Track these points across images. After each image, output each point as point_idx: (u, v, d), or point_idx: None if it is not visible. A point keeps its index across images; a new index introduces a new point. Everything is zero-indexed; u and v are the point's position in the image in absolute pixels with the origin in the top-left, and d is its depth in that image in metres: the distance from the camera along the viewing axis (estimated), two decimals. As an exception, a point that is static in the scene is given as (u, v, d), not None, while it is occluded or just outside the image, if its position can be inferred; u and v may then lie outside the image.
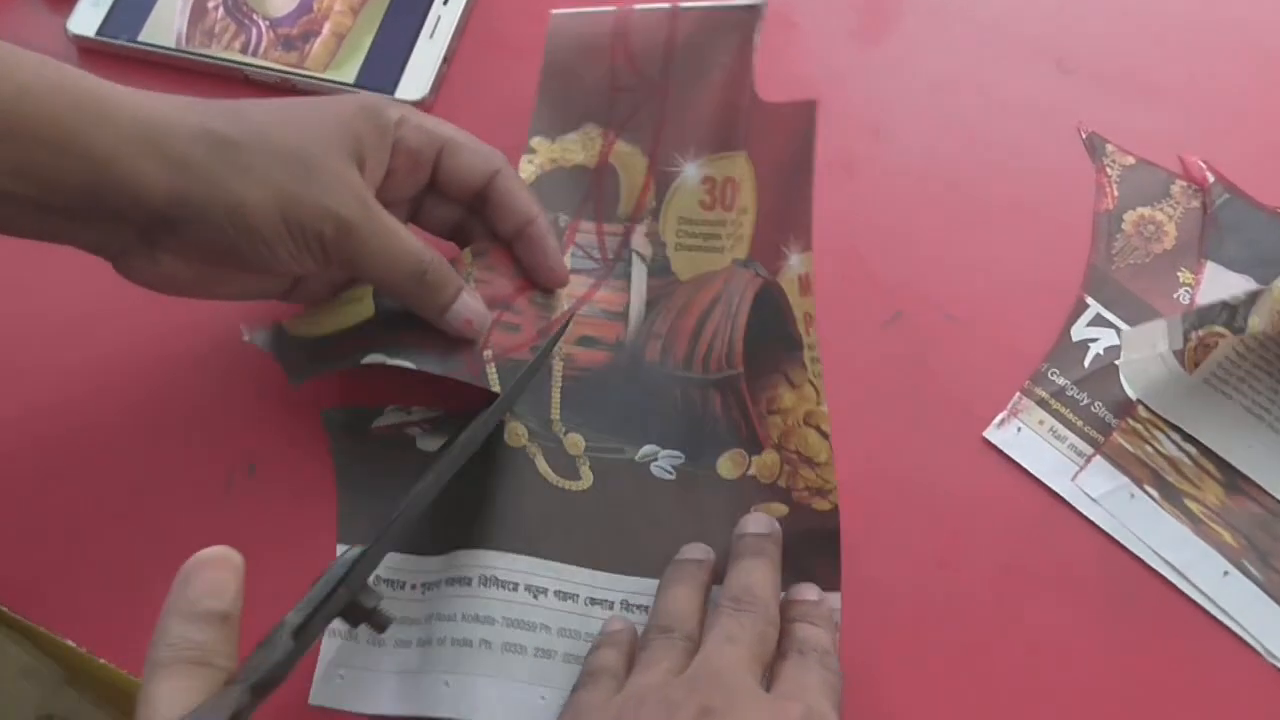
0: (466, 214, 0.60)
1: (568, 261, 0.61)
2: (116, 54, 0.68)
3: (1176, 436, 0.59)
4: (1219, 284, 0.63)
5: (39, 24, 0.69)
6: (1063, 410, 0.60)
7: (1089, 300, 0.63)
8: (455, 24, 0.70)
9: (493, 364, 0.57)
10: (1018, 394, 0.61)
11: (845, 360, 0.61)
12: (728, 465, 0.57)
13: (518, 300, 0.59)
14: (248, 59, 0.67)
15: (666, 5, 0.62)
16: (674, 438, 0.58)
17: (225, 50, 0.68)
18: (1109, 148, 0.69)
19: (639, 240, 0.62)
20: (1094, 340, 0.62)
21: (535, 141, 0.63)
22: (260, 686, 0.42)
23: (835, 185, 0.66)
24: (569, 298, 0.60)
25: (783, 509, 0.55)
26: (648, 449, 0.58)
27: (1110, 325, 0.63)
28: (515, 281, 0.59)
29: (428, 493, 0.50)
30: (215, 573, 0.43)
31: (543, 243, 0.59)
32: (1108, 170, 0.68)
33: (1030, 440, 0.59)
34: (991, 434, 0.60)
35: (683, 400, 0.58)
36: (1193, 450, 0.59)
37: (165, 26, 0.69)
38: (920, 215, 0.66)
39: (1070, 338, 0.62)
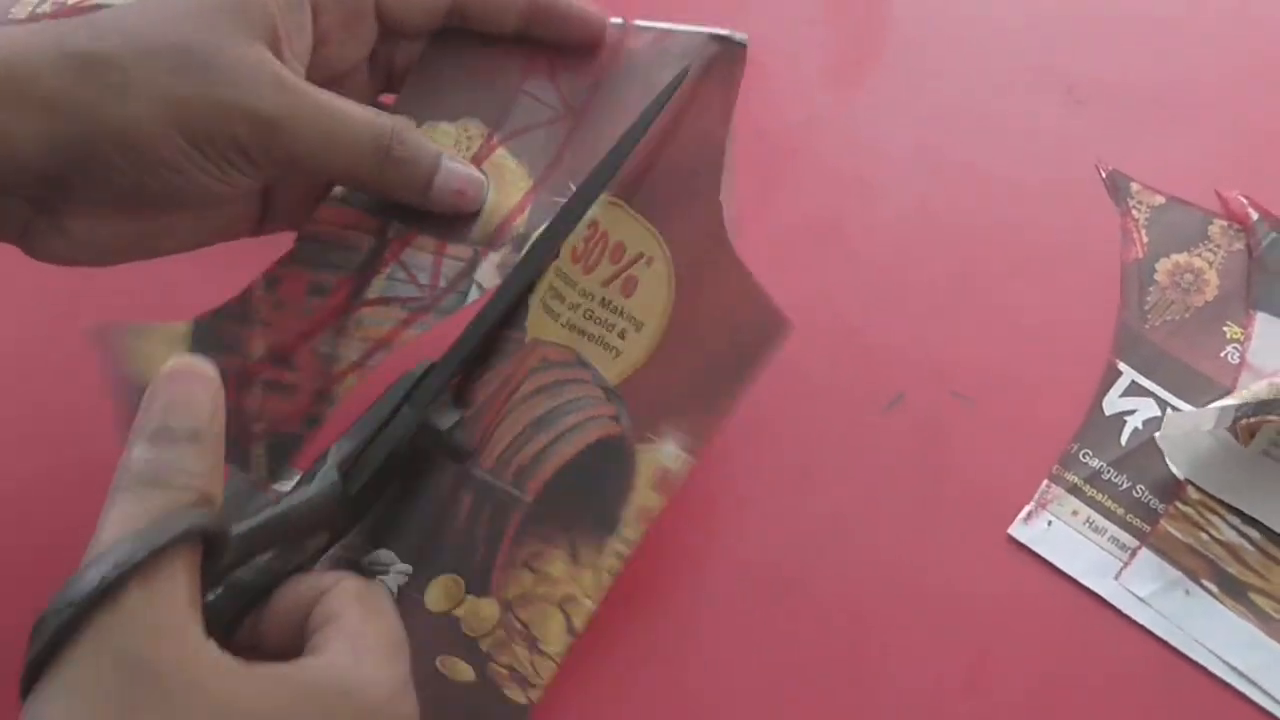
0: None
1: (381, 286, 0.51)
2: None
3: (1235, 519, 0.55)
4: (1273, 338, 0.60)
5: None
6: (1099, 497, 0.56)
7: (1121, 366, 0.59)
8: None
9: (263, 443, 0.49)
10: (1045, 481, 0.57)
11: (841, 453, 0.57)
12: (437, 593, 0.48)
13: (299, 352, 0.50)
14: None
15: (618, 20, 0.54)
16: (409, 547, 0.49)
17: None
18: (1134, 186, 0.65)
19: (488, 271, 0.51)
20: (1130, 412, 0.58)
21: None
22: (275, 525, 0.41)
23: (820, 249, 0.63)
24: (362, 340, 0.50)
25: (469, 674, 0.47)
26: (381, 555, 0.49)
27: (1148, 394, 0.59)
28: (303, 322, 0.50)
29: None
30: (181, 386, 0.39)
31: (558, 9, 0.52)
32: (1134, 213, 0.64)
33: (1064, 535, 0.55)
34: (1018, 530, 0.56)
35: (442, 496, 0.49)
36: (1255, 535, 0.55)
37: None
38: (919, 278, 0.62)
39: (1102, 411, 0.58)
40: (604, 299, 0.50)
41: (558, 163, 0.52)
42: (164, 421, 0.38)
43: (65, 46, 0.44)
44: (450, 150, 0.52)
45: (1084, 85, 0.68)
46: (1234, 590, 0.54)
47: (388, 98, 0.54)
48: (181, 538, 0.36)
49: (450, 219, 0.52)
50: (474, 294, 0.50)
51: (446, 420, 0.46)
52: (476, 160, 0.52)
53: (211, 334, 0.49)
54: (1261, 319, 0.60)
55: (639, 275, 0.50)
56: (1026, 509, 0.56)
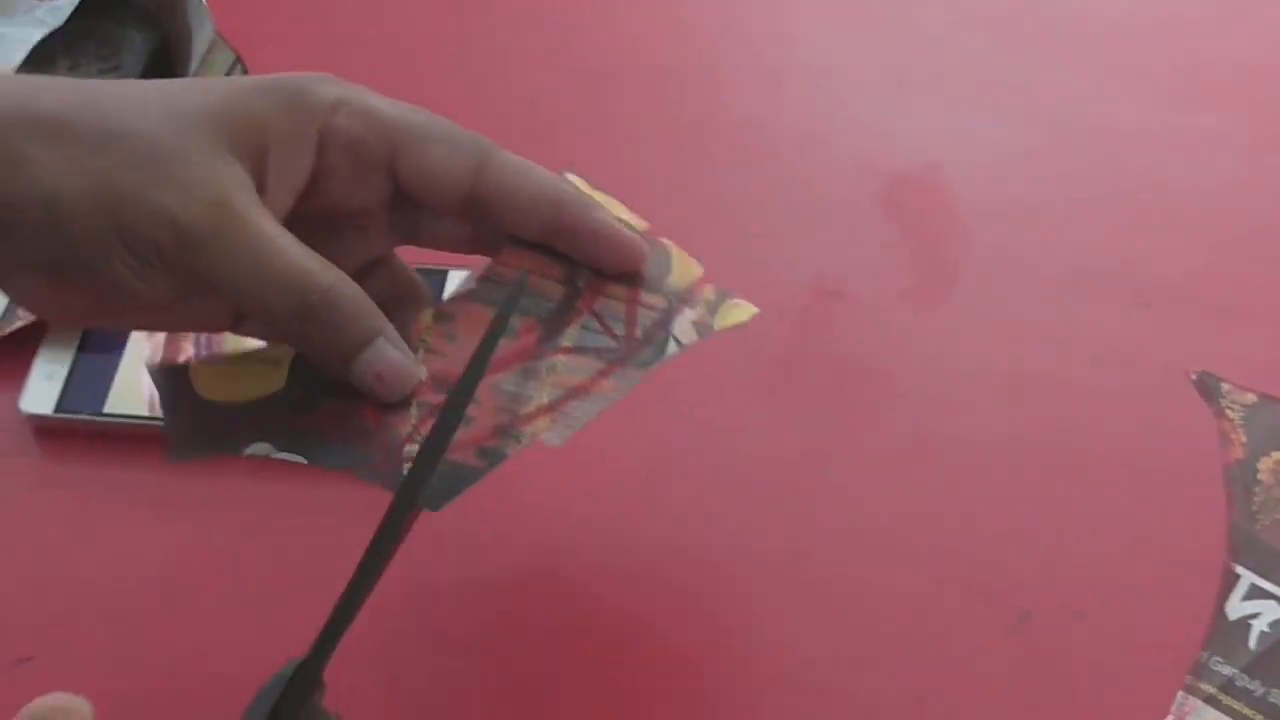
0: (479, 223, 0.50)
1: (574, 336, 0.49)
2: (81, 430, 0.62)
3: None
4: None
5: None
6: (1237, 705, 0.53)
7: (1239, 570, 0.57)
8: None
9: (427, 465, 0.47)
10: (1180, 693, 0.54)
11: (963, 676, 0.54)
12: None
13: (479, 385, 0.47)
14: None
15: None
16: None
17: None
18: (1224, 387, 0.63)
19: (684, 326, 0.50)
20: (1254, 616, 0.56)
21: (571, 176, 0.52)
22: None
23: (911, 475, 0.60)
24: (556, 387, 0.48)
25: None
26: None
27: (1270, 596, 0.56)
28: None
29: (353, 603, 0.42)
30: None
31: (587, 227, 0.48)
32: (1228, 413, 0.62)
33: (1208, 748, 0.52)
34: (1161, 747, 0.52)
35: None
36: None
37: (134, 392, 0.62)
38: (1020, 496, 0.60)
39: (1226, 616, 0.56)
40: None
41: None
42: None
43: (33, 103, 0.43)
44: (619, 209, 0.50)
45: (1154, 289, 0.67)
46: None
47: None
48: None
49: (648, 268, 0.50)
50: (671, 348, 0.49)
51: None
52: (648, 235, 0.51)
53: None
54: (1375, 504, 0.58)
55: None
56: (1167, 723, 0.53)
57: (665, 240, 0.52)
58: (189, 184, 0.43)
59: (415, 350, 0.48)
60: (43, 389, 0.62)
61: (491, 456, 0.46)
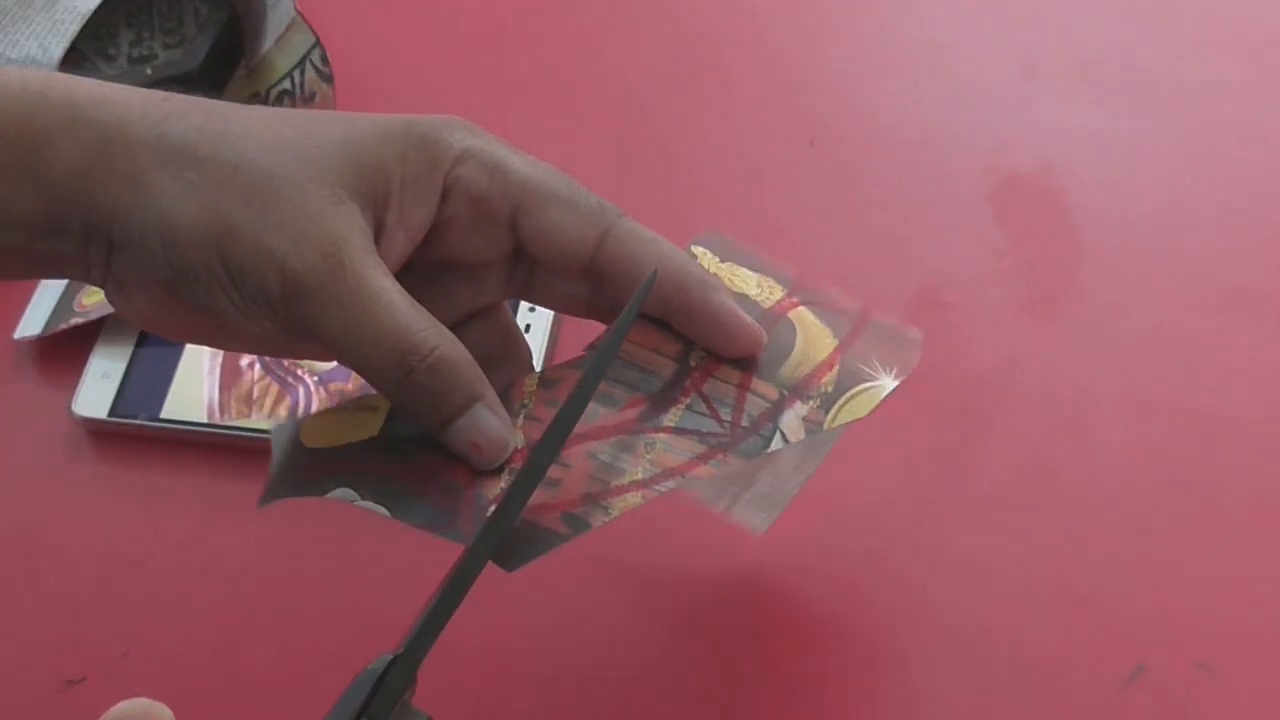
0: (597, 290, 0.49)
1: (678, 416, 0.48)
2: (136, 435, 0.60)
3: None
4: None
5: (38, 406, 0.62)
6: None
7: None
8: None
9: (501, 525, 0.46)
10: None
11: None
12: None
13: (569, 452, 0.47)
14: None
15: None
16: None
17: (269, 419, 0.60)
18: None
19: (792, 423, 0.49)
20: None
21: (697, 250, 0.52)
22: None
23: (1032, 504, 0.58)
24: (653, 465, 0.47)
25: None
26: None
27: None
28: (579, 427, 0.47)
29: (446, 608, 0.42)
30: None
31: (705, 309, 0.48)
32: None
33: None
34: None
35: None
36: None
37: (192, 399, 0.61)
38: (1146, 533, 0.57)
39: None
40: None
41: (859, 332, 0.51)
42: None
43: (167, 127, 0.44)
44: (749, 285, 0.50)
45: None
46: None
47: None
48: None
49: (765, 355, 0.49)
50: (777, 442, 0.48)
51: None
52: (780, 307, 0.50)
53: None
54: None
55: None
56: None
57: (799, 311, 0.51)
58: (303, 229, 0.43)
59: (516, 414, 0.48)
60: (97, 390, 0.61)
61: (576, 524, 0.46)
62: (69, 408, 0.60)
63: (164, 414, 0.60)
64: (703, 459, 0.47)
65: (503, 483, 0.46)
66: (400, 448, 0.47)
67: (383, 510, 0.45)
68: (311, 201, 0.43)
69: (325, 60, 0.71)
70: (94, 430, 0.60)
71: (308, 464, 0.48)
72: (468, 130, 0.47)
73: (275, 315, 0.44)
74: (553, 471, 0.46)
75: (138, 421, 0.60)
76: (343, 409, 0.49)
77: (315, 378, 0.62)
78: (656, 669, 0.53)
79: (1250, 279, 0.65)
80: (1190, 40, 0.73)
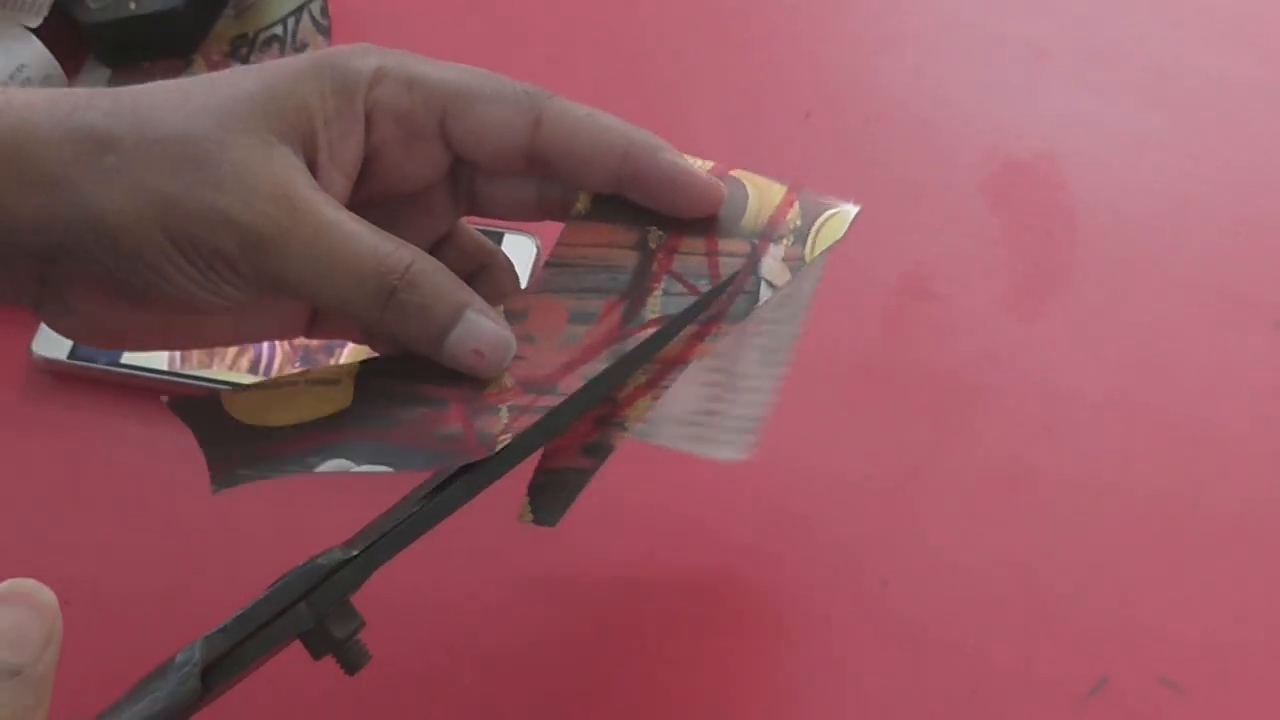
0: (544, 184, 0.49)
1: (658, 305, 0.47)
2: (96, 379, 0.60)
3: None
4: None
5: (-5, 345, 0.62)
6: None
7: None
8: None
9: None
10: None
11: None
12: None
13: (563, 381, 0.46)
14: (259, 380, 0.58)
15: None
16: None
17: (231, 371, 0.59)
18: None
19: (774, 267, 0.48)
20: None
21: None
22: None
23: (1003, 503, 0.57)
24: (652, 364, 0.47)
25: None
26: None
27: None
28: (566, 353, 0.47)
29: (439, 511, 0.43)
30: (10, 613, 0.35)
31: (657, 172, 0.46)
32: None
33: None
34: None
35: None
36: None
37: None
38: (1118, 542, 0.56)
39: None
40: None
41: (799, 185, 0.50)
42: None
43: (75, 120, 0.42)
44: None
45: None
46: None
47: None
48: None
49: (721, 214, 0.48)
50: (765, 293, 0.47)
51: (345, 627, 0.41)
52: (716, 172, 0.49)
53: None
54: None
55: None
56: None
57: (736, 172, 0.49)
58: (246, 181, 0.42)
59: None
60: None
61: (598, 451, 0.46)
62: (29, 347, 0.60)
63: (125, 359, 0.59)
64: (697, 337, 0.47)
65: (503, 420, 0.45)
66: (382, 414, 0.46)
67: (385, 469, 0.45)
68: (243, 153, 0.42)
69: (325, 12, 0.69)
70: (54, 371, 0.60)
71: (271, 443, 0.47)
72: (376, 52, 0.46)
73: (239, 276, 0.43)
74: (546, 402, 0.45)
75: (98, 366, 0.59)
76: (287, 383, 0.48)
77: (278, 333, 0.61)
78: (606, 663, 0.53)
79: (1248, 287, 0.63)
80: (1207, 34, 0.71)
